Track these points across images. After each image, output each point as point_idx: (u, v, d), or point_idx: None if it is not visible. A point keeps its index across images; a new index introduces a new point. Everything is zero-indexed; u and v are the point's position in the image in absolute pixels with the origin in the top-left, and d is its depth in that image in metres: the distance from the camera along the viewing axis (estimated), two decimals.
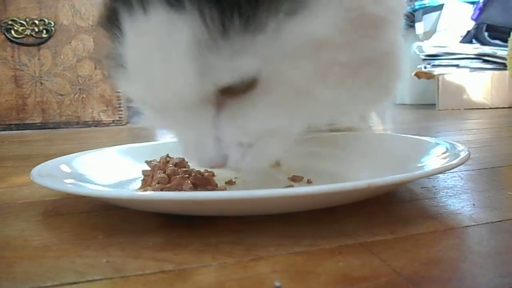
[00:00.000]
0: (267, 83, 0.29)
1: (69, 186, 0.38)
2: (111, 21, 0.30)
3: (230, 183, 0.44)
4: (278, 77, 0.28)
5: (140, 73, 0.30)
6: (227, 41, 0.26)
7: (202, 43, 0.26)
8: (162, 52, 0.28)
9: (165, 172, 0.41)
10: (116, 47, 0.30)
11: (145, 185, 0.42)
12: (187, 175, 0.40)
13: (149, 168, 0.44)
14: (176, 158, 0.45)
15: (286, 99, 0.30)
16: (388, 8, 0.33)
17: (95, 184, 0.42)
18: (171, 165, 0.43)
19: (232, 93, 0.29)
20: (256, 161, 0.32)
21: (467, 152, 0.38)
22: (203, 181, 0.39)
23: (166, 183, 0.40)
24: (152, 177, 0.42)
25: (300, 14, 0.27)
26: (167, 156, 0.46)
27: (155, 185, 0.40)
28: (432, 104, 1.79)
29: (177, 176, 0.40)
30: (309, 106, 0.31)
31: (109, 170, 0.46)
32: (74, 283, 0.24)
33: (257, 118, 0.30)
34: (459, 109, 1.65)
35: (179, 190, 0.38)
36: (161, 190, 0.38)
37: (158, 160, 0.46)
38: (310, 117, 0.32)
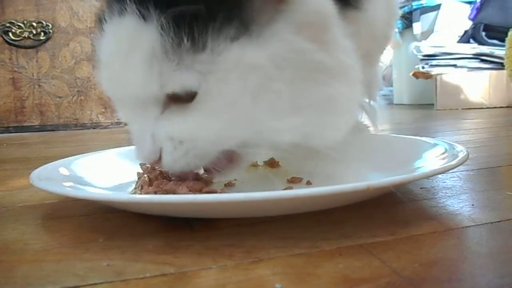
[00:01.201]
0: (205, 96, 0.32)
1: (68, 189, 0.38)
2: (100, 21, 0.35)
3: (229, 184, 0.44)
4: (214, 91, 0.32)
5: (107, 67, 0.34)
6: (177, 55, 0.31)
7: (158, 52, 0.31)
8: (124, 52, 0.32)
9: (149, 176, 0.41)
10: (96, 43, 0.35)
11: (136, 187, 0.42)
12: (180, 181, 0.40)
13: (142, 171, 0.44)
14: None
15: (218, 112, 0.33)
16: (338, 60, 0.35)
17: (94, 187, 0.42)
18: (159, 169, 0.43)
19: (177, 98, 0.33)
20: (186, 158, 0.34)
21: (465, 153, 0.38)
22: (196, 186, 0.39)
23: (148, 186, 0.40)
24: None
25: (241, 41, 0.31)
26: None
27: (138, 187, 0.40)
28: (430, 104, 1.80)
29: (163, 180, 0.40)
30: (239, 122, 0.34)
31: (108, 172, 0.46)
32: (75, 286, 0.24)
33: (191, 122, 0.33)
34: (457, 109, 1.66)
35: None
36: (155, 193, 0.38)
37: None
38: (240, 132, 0.34)
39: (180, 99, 0.33)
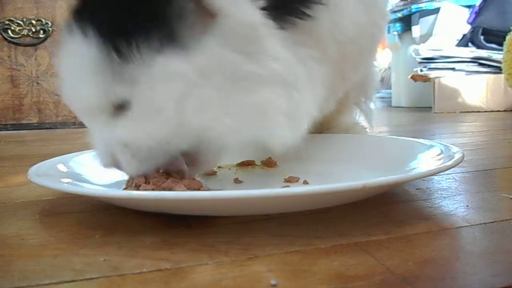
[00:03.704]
0: (137, 103, 0.35)
1: (66, 185, 0.38)
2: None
3: (237, 181, 0.44)
4: (142, 99, 0.34)
5: (61, 80, 0.37)
6: (111, 68, 0.33)
7: (97, 66, 0.33)
8: (71, 67, 0.36)
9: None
10: None
11: (128, 185, 0.42)
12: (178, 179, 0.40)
13: None
14: None
15: (149, 117, 0.35)
16: (269, 69, 0.36)
17: (92, 183, 0.42)
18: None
19: (121, 107, 0.35)
20: (135, 160, 0.36)
21: (461, 154, 0.38)
22: (194, 185, 0.39)
23: (144, 183, 0.40)
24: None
25: (166, 52, 0.33)
26: None
27: (132, 185, 0.40)
28: (428, 107, 1.80)
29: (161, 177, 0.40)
30: (172, 126, 0.35)
31: (106, 170, 0.46)
32: (72, 281, 0.24)
33: (129, 126, 0.35)
34: (454, 112, 1.66)
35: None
36: (152, 190, 0.38)
37: None
38: (179, 136, 0.36)
39: (123, 106, 0.35)
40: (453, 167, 0.36)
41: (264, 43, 0.36)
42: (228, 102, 0.36)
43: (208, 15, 0.34)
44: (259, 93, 0.36)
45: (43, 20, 1.47)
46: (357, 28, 0.46)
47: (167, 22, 0.33)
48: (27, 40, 1.46)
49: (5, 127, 1.46)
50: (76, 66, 0.35)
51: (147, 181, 0.40)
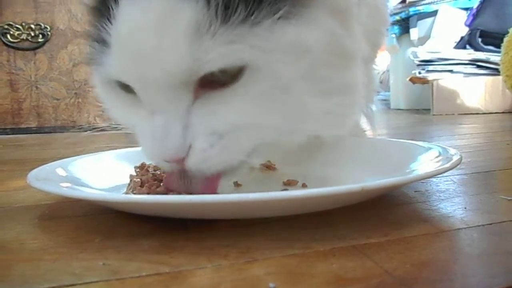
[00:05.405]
0: (251, 76, 0.30)
1: (66, 189, 0.38)
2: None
3: (238, 185, 0.44)
4: (264, 69, 0.30)
5: (129, 44, 0.30)
6: (226, 28, 0.28)
7: (201, 26, 0.28)
8: (159, 28, 0.28)
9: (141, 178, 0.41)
10: (102, 24, 0.31)
11: (128, 189, 0.42)
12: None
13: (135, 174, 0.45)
14: None
15: (265, 94, 0.31)
16: (356, 46, 0.36)
17: (92, 188, 0.42)
18: (151, 172, 0.43)
19: (214, 83, 0.30)
20: (225, 152, 0.31)
21: (459, 156, 0.38)
22: None
23: (139, 186, 0.40)
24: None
25: (293, 21, 0.31)
26: None
27: (130, 189, 0.40)
28: (426, 109, 1.80)
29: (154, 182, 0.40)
30: (284, 107, 0.32)
31: (106, 174, 0.47)
32: (71, 285, 0.24)
33: (233, 109, 0.31)
34: (453, 114, 1.66)
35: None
36: (148, 194, 0.38)
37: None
38: (284, 119, 0.33)
39: (216, 84, 0.30)
40: (451, 169, 0.36)
41: (353, 21, 0.36)
42: (333, 81, 0.34)
43: None
44: (351, 71, 0.36)
45: (42, 25, 1.47)
46: (364, 32, 0.46)
47: None
48: (26, 44, 1.46)
49: (4, 131, 1.46)
50: (166, 23, 0.28)
51: (143, 184, 0.40)
